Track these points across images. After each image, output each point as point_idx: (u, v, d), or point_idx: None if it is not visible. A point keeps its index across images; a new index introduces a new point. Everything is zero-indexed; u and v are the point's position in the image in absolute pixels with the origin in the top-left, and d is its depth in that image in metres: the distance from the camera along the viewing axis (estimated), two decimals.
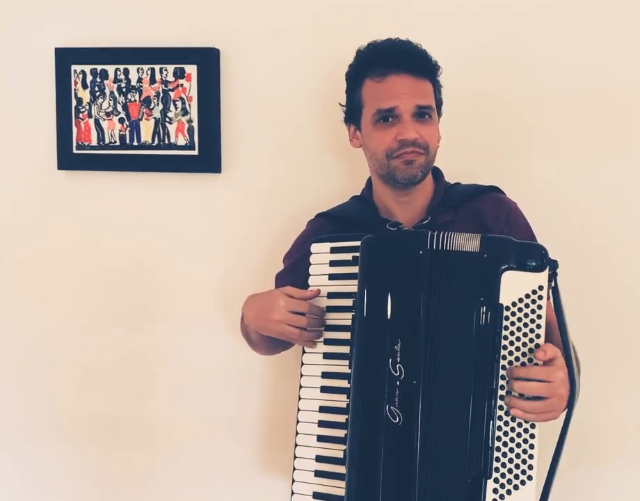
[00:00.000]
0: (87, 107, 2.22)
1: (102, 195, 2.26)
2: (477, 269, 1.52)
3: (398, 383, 1.50)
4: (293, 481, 1.65)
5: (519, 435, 1.49)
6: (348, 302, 1.61)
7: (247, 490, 2.24)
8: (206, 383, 2.24)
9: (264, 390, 2.23)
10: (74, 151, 2.23)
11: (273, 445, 2.21)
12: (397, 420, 1.50)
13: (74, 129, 2.23)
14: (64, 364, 2.31)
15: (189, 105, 2.16)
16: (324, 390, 1.64)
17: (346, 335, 1.60)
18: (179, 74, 2.16)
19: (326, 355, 1.65)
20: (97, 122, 2.22)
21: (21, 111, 2.28)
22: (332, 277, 1.66)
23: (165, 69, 2.17)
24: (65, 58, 2.22)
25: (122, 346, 2.28)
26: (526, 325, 1.50)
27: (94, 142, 2.22)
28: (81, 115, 2.22)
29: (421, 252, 1.54)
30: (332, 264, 1.66)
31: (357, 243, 1.59)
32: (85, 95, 2.22)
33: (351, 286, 1.61)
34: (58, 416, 2.33)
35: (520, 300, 1.50)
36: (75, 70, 2.21)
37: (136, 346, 2.27)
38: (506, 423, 1.49)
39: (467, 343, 1.51)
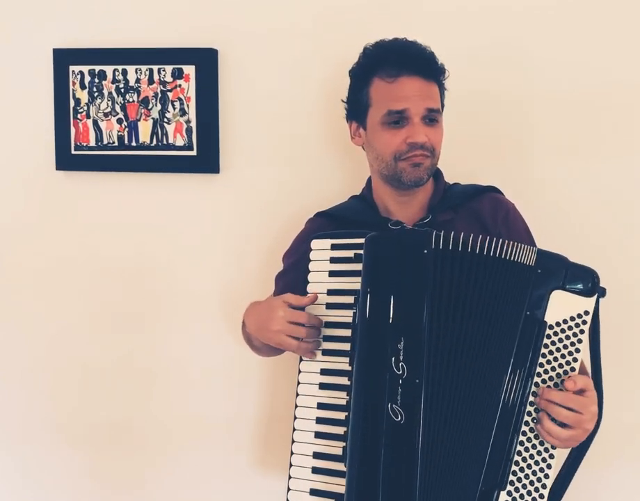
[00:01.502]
0: (85, 108, 2.22)
1: (100, 196, 2.26)
2: (527, 282, 1.51)
3: (400, 381, 1.49)
4: (290, 477, 1.63)
5: (539, 453, 1.50)
6: (349, 299, 1.59)
7: (246, 490, 2.23)
8: (205, 383, 2.24)
9: (262, 391, 2.22)
10: (73, 151, 2.23)
11: (272, 445, 2.21)
12: (399, 419, 1.48)
13: (72, 130, 2.23)
14: (64, 365, 2.31)
15: (187, 105, 2.16)
16: (323, 386, 1.62)
17: (346, 332, 1.59)
18: (178, 74, 2.16)
19: (325, 352, 1.63)
20: (95, 123, 2.22)
21: (20, 112, 2.28)
22: (332, 274, 1.65)
23: (164, 70, 2.16)
24: (63, 58, 2.22)
25: (121, 346, 2.28)
26: (565, 347, 1.50)
27: (92, 143, 2.22)
28: (79, 116, 2.22)
29: (425, 251, 1.52)
30: (333, 260, 1.65)
31: (359, 240, 1.59)
32: (84, 96, 2.21)
33: (352, 283, 1.60)
34: (58, 417, 2.33)
35: (565, 321, 1.50)
36: (73, 71, 2.21)
37: (135, 346, 2.27)
38: (529, 439, 1.50)
39: (498, 352, 1.51)
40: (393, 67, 1.72)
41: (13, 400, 2.34)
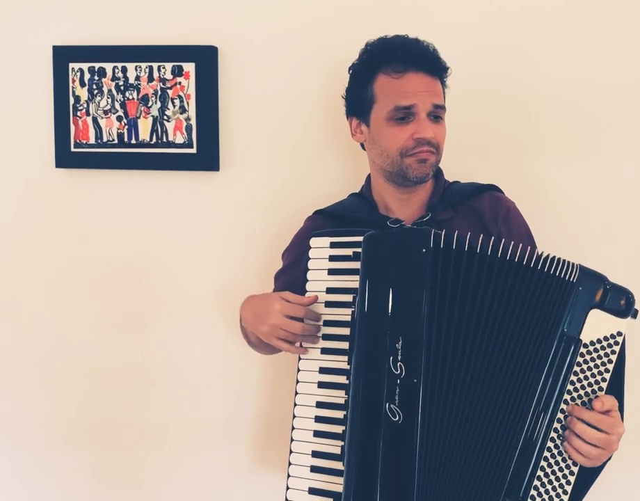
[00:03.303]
0: (85, 105, 2.21)
1: (100, 194, 2.25)
2: (567, 297, 1.50)
3: (398, 381, 1.48)
4: (289, 476, 1.63)
5: (561, 469, 1.49)
6: (347, 297, 1.59)
7: (246, 488, 2.23)
8: (205, 382, 2.24)
9: (262, 389, 2.22)
10: (72, 149, 2.22)
11: (271, 444, 2.21)
12: (397, 418, 1.47)
13: (72, 127, 2.22)
14: (64, 365, 2.31)
15: (187, 103, 2.15)
16: (321, 385, 1.62)
17: (345, 331, 1.59)
18: (177, 72, 2.15)
19: (324, 351, 1.63)
20: (94, 120, 2.21)
21: (19, 110, 2.28)
22: (331, 272, 1.64)
23: (163, 67, 2.16)
24: (63, 56, 2.21)
25: (122, 345, 2.28)
26: (597, 366, 1.49)
27: (92, 141, 2.21)
28: (78, 113, 2.21)
29: (424, 249, 1.50)
30: (332, 258, 1.64)
31: (358, 238, 1.58)
32: (83, 93, 2.21)
33: (351, 281, 1.59)
34: (58, 417, 2.32)
35: (598, 341, 1.49)
36: (73, 68, 2.20)
37: (136, 345, 2.27)
38: (553, 455, 1.49)
39: (523, 362, 1.49)
40: (399, 62, 1.71)
41: (13, 400, 2.34)
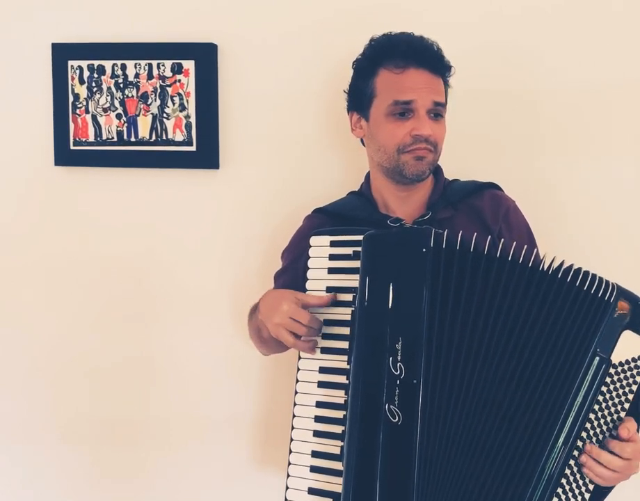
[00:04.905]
0: (84, 103, 2.20)
1: (99, 192, 2.24)
2: (602, 315, 1.47)
3: (398, 381, 1.46)
4: (288, 475, 1.62)
5: (578, 486, 1.49)
6: (348, 297, 1.58)
7: (246, 487, 2.23)
8: (206, 381, 2.23)
9: (263, 388, 2.22)
10: (71, 147, 2.22)
11: (271, 443, 2.21)
12: (397, 419, 1.46)
13: (71, 125, 2.21)
14: (65, 364, 2.30)
15: (187, 101, 2.15)
16: (321, 385, 1.61)
17: (345, 330, 1.57)
18: (177, 69, 2.14)
19: (324, 350, 1.61)
20: (94, 118, 2.20)
21: (18, 107, 2.27)
22: (331, 271, 1.63)
23: (163, 65, 2.15)
24: (62, 53, 2.20)
25: (123, 344, 2.27)
26: (622, 387, 1.48)
27: (91, 138, 2.21)
28: (78, 111, 2.21)
29: (424, 249, 1.48)
30: (332, 257, 1.63)
31: (358, 237, 1.56)
32: (82, 91, 2.20)
33: (351, 280, 1.58)
34: (59, 416, 2.32)
35: (627, 362, 1.48)
36: (72, 66, 2.20)
37: (135, 346, 2.26)
38: (572, 473, 1.48)
39: (543, 372, 1.47)
40: (401, 58, 1.71)
41: (14, 399, 2.33)
